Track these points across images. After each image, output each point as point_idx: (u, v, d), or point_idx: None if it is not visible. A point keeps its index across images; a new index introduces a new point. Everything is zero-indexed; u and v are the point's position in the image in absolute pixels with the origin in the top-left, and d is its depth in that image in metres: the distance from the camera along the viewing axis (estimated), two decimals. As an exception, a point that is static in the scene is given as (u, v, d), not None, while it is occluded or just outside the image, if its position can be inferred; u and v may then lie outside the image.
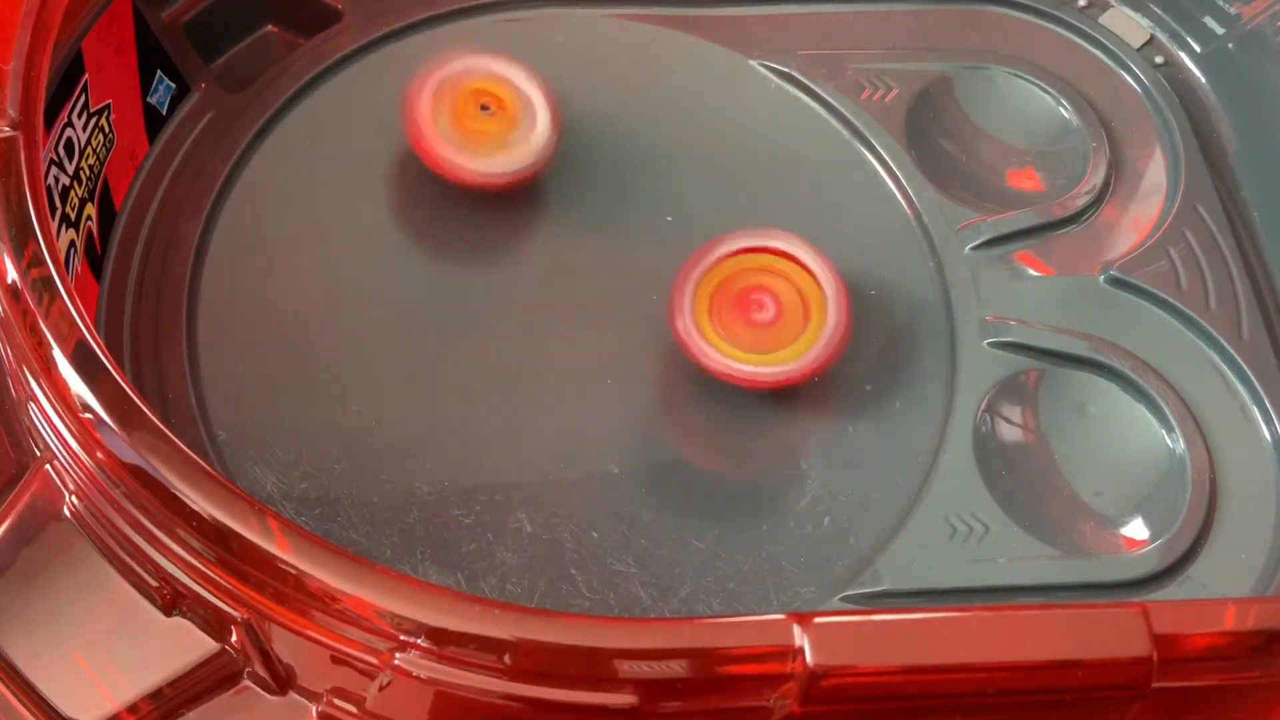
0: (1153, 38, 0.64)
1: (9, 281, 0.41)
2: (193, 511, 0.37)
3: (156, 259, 0.54)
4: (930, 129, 0.60)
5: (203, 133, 0.57)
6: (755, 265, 0.52)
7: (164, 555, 0.39)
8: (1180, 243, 0.57)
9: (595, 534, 0.49)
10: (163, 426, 0.38)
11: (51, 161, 0.49)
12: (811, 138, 0.59)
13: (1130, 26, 0.64)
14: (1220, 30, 0.62)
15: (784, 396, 0.52)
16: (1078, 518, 0.51)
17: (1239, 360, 0.54)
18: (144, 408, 0.38)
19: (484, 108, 0.55)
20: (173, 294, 0.53)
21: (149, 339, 0.52)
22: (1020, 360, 0.54)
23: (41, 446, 0.41)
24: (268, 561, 0.37)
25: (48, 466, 0.41)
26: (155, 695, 0.40)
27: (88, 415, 0.38)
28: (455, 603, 0.36)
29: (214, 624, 0.40)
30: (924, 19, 0.63)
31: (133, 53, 0.54)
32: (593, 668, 0.36)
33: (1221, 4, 0.62)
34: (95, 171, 0.52)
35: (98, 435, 0.38)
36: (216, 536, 0.37)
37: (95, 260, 0.53)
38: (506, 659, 0.36)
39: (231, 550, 0.37)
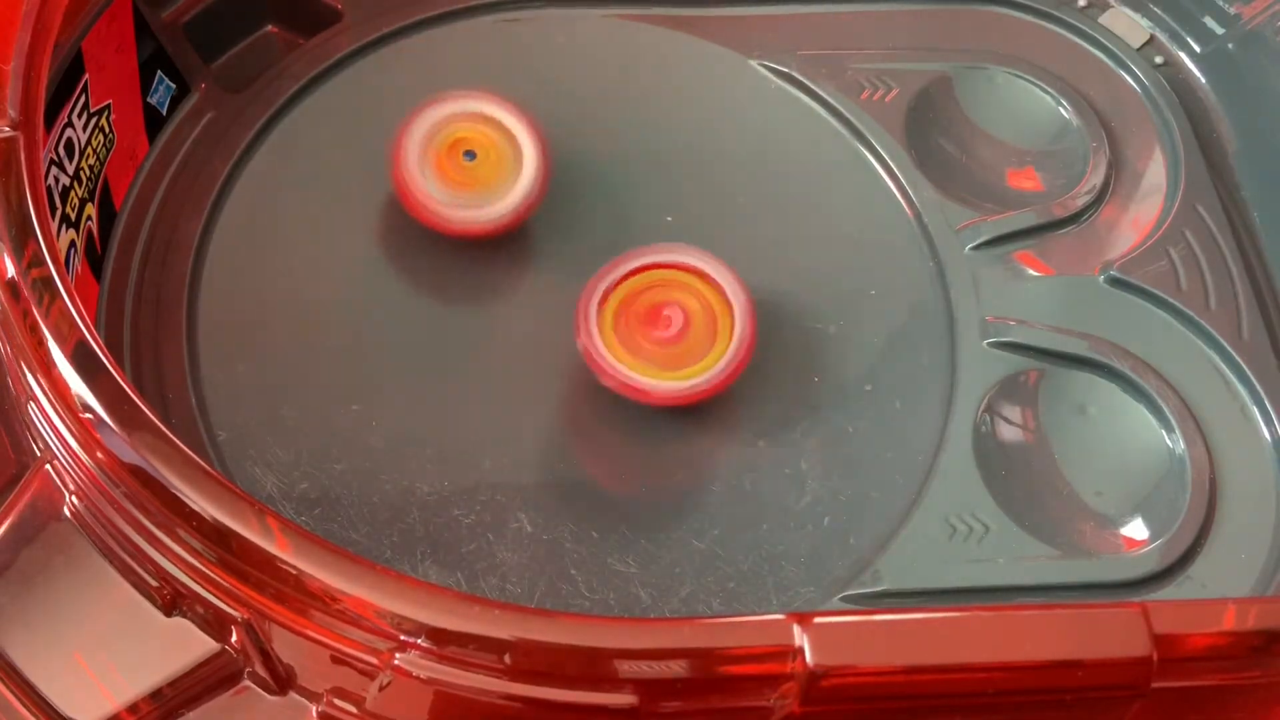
0: (1153, 38, 0.64)
1: (9, 281, 0.41)
2: (193, 511, 0.37)
3: (156, 259, 0.54)
4: (930, 129, 0.60)
5: (203, 133, 0.57)
6: (661, 281, 0.52)
7: (164, 555, 0.39)
8: (1180, 243, 0.57)
9: (595, 534, 0.49)
10: (163, 426, 0.38)
11: (51, 161, 0.49)
12: (811, 138, 0.59)
13: (1130, 26, 0.64)
14: (1220, 30, 0.62)
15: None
16: (1078, 518, 0.51)
17: (1239, 360, 0.54)
18: (144, 408, 0.38)
19: (468, 154, 0.54)
20: (173, 294, 0.53)
21: (149, 339, 0.52)
22: (1020, 360, 0.54)
23: (41, 446, 0.41)
24: (268, 561, 0.37)
25: (48, 466, 0.41)
26: (155, 695, 0.40)
27: (88, 415, 0.38)
28: (455, 603, 0.36)
29: (214, 624, 0.40)
30: (924, 19, 0.63)
31: (133, 53, 0.54)
32: (593, 668, 0.36)
33: (1221, 4, 0.62)
34: (95, 171, 0.52)
35: (98, 435, 0.38)
36: (216, 536, 0.37)
37: (95, 260, 0.53)
38: (506, 659, 0.36)
39: (231, 550, 0.37)
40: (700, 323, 0.51)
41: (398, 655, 0.36)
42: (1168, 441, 0.52)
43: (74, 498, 0.41)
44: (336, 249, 0.55)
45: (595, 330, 0.51)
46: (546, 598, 0.48)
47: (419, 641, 0.36)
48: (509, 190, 0.54)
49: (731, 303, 0.51)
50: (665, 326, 0.51)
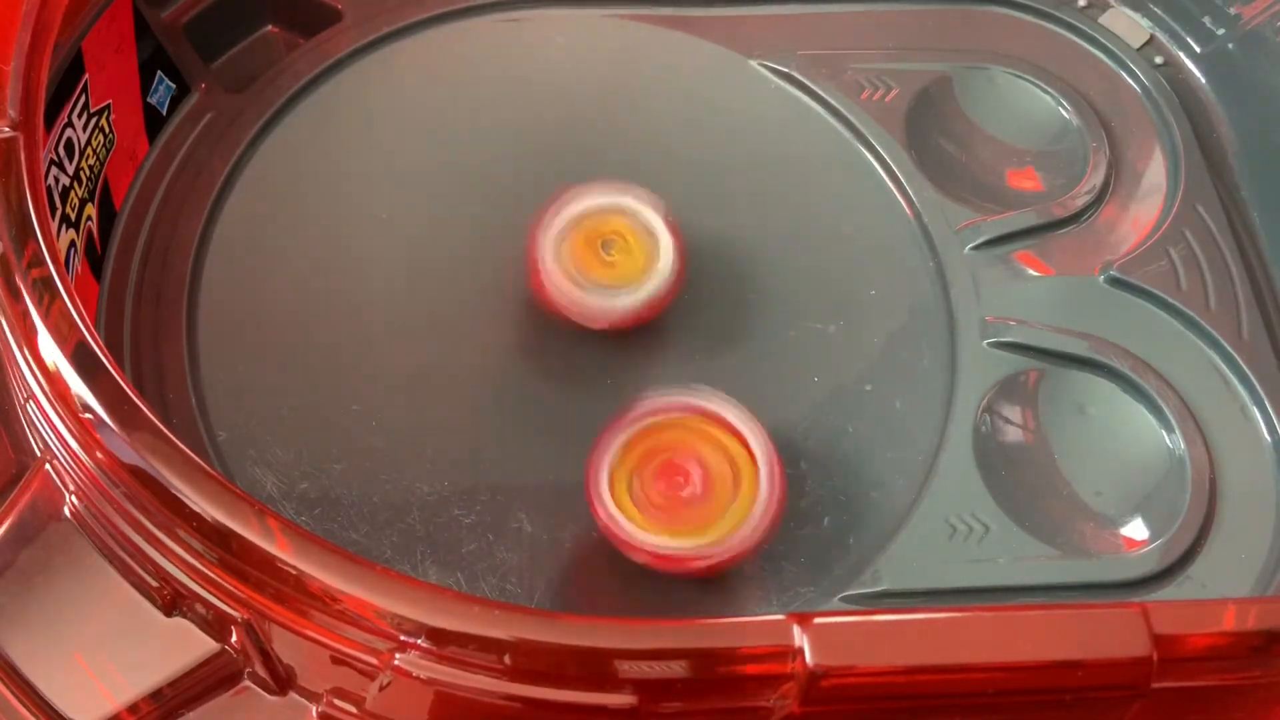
0: (1153, 38, 0.64)
1: (9, 281, 0.41)
2: (193, 512, 0.37)
3: (156, 259, 0.54)
4: (930, 129, 0.60)
5: (203, 133, 0.57)
6: (681, 430, 0.48)
7: (164, 555, 0.39)
8: (1180, 243, 0.57)
9: (595, 534, 0.49)
10: (163, 426, 0.38)
11: (51, 161, 0.49)
12: (811, 138, 0.59)
13: (1130, 26, 0.64)
14: (1220, 30, 0.62)
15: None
16: (1078, 518, 0.51)
17: (1239, 360, 0.54)
18: (144, 408, 0.38)
19: (606, 245, 0.52)
20: (173, 294, 0.53)
21: (149, 339, 0.52)
22: (1020, 360, 0.54)
23: (41, 446, 0.41)
24: (268, 561, 0.37)
25: (48, 466, 0.41)
26: (155, 695, 0.40)
27: (88, 415, 0.38)
28: (455, 603, 0.36)
29: (214, 624, 0.40)
30: (924, 19, 0.63)
31: (133, 53, 0.54)
32: (593, 668, 0.36)
33: (1221, 4, 0.62)
34: (95, 171, 0.52)
35: (98, 435, 0.38)
36: (217, 537, 0.37)
37: (95, 260, 0.53)
38: (506, 659, 0.36)
39: (232, 550, 0.37)
40: (722, 480, 0.47)
41: (398, 655, 0.36)
42: (1168, 441, 0.52)
43: (74, 498, 0.41)
44: (336, 248, 0.55)
45: (609, 498, 0.47)
46: (546, 598, 0.48)
47: (419, 641, 0.36)
48: (643, 283, 0.51)
49: (756, 457, 0.47)
50: (684, 483, 0.47)
